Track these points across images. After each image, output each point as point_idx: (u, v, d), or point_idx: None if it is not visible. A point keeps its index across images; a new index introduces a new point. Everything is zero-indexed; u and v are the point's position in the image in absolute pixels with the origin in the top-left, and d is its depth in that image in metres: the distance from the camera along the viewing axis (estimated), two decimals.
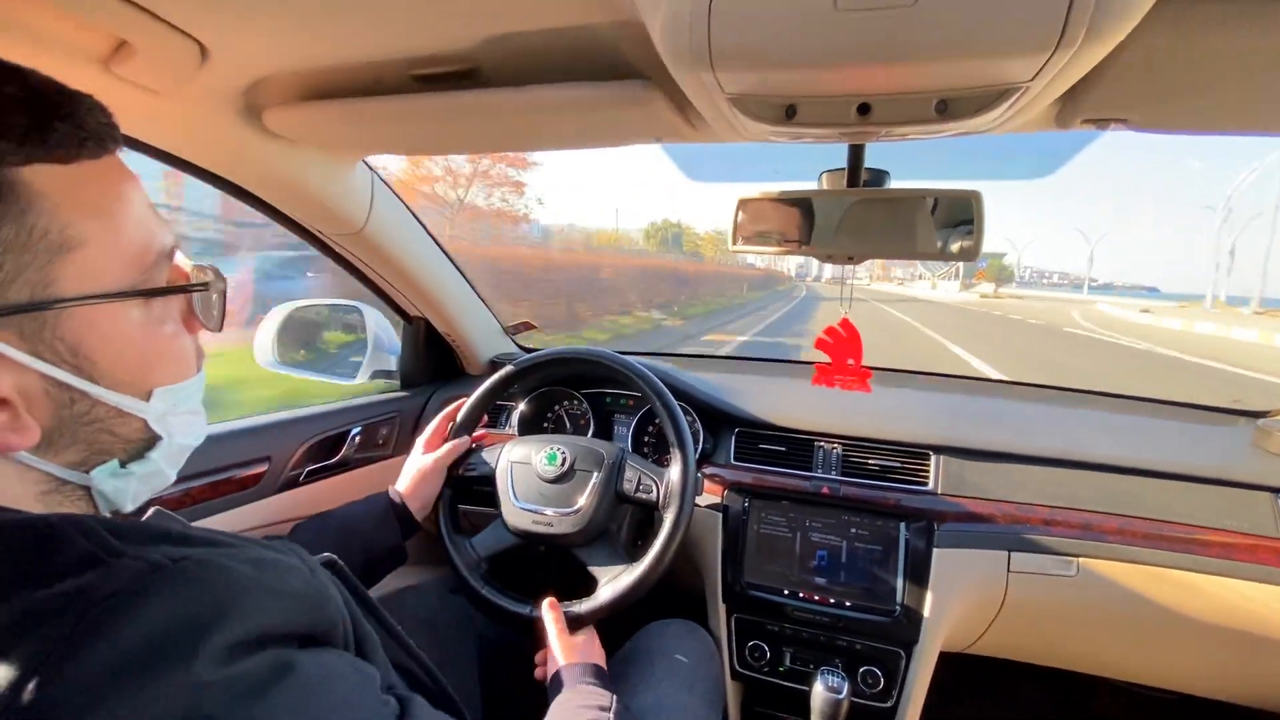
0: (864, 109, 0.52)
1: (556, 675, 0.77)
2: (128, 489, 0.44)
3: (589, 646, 0.85)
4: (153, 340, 0.42)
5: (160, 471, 0.46)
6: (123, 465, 0.43)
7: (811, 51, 0.46)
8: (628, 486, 0.95)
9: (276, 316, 1.36)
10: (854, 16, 0.42)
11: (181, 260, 0.46)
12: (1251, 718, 1.16)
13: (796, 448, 1.15)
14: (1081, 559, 0.97)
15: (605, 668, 0.83)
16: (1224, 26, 0.48)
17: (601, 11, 0.54)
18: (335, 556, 0.56)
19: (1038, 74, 0.44)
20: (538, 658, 0.85)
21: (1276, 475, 0.96)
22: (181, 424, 0.46)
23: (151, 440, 0.44)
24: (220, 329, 0.49)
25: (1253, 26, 0.48)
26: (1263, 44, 0.49)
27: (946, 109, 0.51)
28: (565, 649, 0.82)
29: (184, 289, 0.45)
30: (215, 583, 0.36)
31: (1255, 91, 0.55)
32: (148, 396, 0.42)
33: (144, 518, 0.45)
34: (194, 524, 0.45)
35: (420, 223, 1.19)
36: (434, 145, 0.85)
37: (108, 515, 0.44)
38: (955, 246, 0.77)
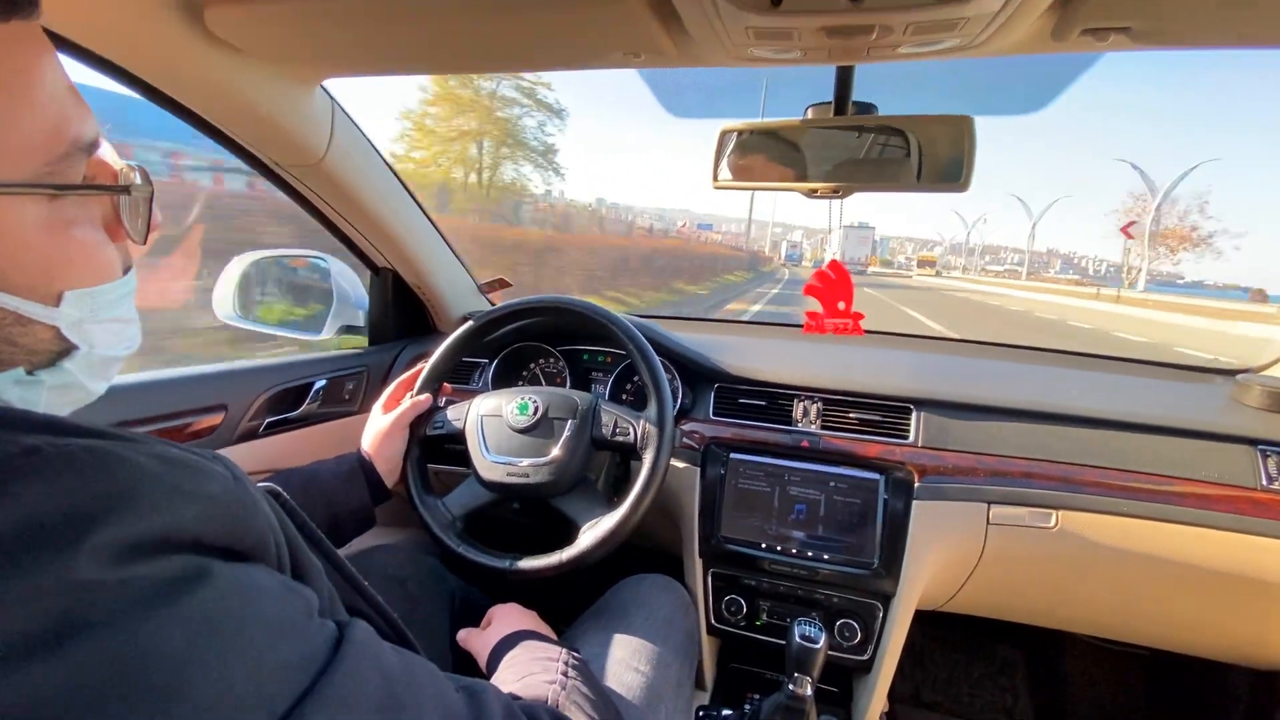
0: None
1: (501, 643, 0.74)
2: (37, 399, 0.38)
3: (528, 616, 0.82)
4: (59, 244, 0.36)
5: (78, 383, 0.40)
6: (29, 373, 0.37)
7: None
8: (604, 431, 0.92)
9: (237, 268, 1.30)
10: None
11: (109, 156, 0.40)
12: (1219, 672, 1.18)
13: (777, 402, 1.12)
14: (1060, 511, 0.96)
15: (550, 634, 0.80)
16: None
17: None
18: (278, 487, 0.52)
19: None
20: (459, 635, 0.80)
21: (1255, 428, 0.96)
22: (104, 333, 0.40)
23: (66, 350, 0.38)
24: (144, 241, 0.42)
25: None
26: None
27: None
28: (504, 620, 0.79)
29: (95, 189, 0.38)
30: (107, 472, 0.30)
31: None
32: (57, 301, 0.36)
33: None
34: None
35: (387, 163, 1.13)
36: (393, 62, 0.79)
37: None
38: (946, 177, 0.74)
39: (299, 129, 0.91)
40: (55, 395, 0.40)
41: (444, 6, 0.64)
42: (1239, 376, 1.08)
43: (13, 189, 0.33)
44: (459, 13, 0.65)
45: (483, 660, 0.75)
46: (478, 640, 0.78)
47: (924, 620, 1.12)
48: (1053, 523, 0.96)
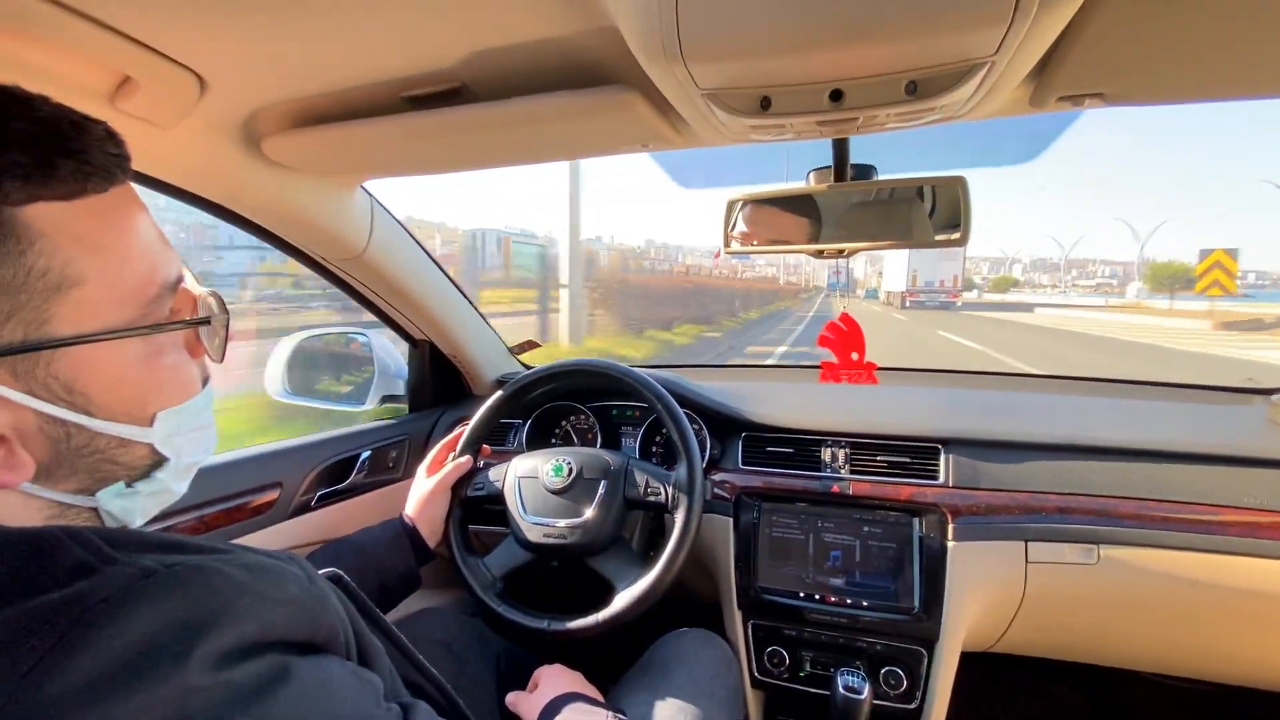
0: (836, 95, 0.53)
1: (549, 706, 0.76)
2: (135, 506, 0.44)
3: (574, 677, 0.84)
4: (152, 372, 0.42)
5: (167, 489, 0.46)
6: (128, 485, 0.43)
7: (780, 38, 0.47)
8: (636, 491, 0.95)
9: (285, 347, 1.39)
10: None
11: (190, 284, 0.46)
12: None
13: (804, 449, 1.14)
14: (1101, 546, 0.95)
15: (597, 695, 0.82)
16: None
17: (577, 20, 0.56)
18: (341, 572, 0.57)
19: (1000, 47, 0.45)
20: (508, 699, 0.83)
21: None
22: (189, 442, 0.46)
23: (159, 461, 0.44)
24: (222, 360, 0.49)
25: None
26: (1232, 4, 0.50)
27: (917, 89, 0.52)
28: (551, 682, 0.81)
29: (184, 324, 0.44)
30: (209, 587, 0.35)
31: (1229, 54, 0.56)
32: (150, 421, 0.42)
33: None
34: None
35: (421, 246, 1.21)
36: (428, 165, 0.88)
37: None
38: (946, 233, 0.78)
39: (343, 227, 1.00)
40: (149, 501, 0.45)
41: (470, 121, 0.72)
42: (1275, 397, 1.06)
43: (117, 335, 0.39)
44: (483, 124, 0.73)
45: None
46: (526, 703, 0.80)
47: (977, 662, 1.10)
48: (1095, 558, 0.95)
